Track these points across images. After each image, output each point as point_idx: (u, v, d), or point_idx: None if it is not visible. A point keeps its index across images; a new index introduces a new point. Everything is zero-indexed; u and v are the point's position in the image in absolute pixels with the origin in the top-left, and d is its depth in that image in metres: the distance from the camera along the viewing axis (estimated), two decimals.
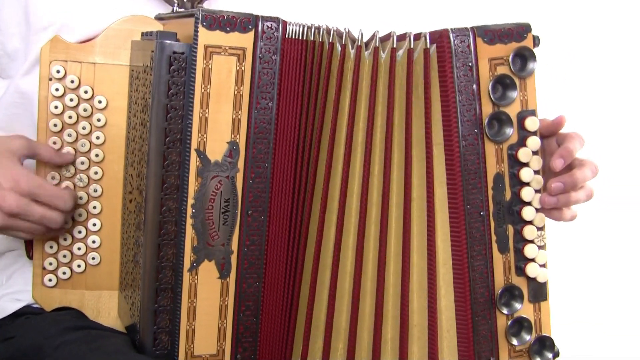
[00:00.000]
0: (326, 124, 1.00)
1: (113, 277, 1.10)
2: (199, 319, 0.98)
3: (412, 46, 0.98)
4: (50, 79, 1.06)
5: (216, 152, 0.95)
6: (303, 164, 1.00)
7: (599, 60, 2.48)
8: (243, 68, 0.95)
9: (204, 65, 0.93)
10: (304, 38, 0.98)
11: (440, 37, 0.98)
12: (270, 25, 0.96)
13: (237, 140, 0.96)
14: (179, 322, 0.97)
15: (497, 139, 1.00)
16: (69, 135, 1.06)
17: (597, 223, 2.44)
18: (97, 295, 1.10)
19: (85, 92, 1.06)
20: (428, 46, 0.98)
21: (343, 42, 0.98)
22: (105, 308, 1.10)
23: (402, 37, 0.99)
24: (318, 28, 0.99)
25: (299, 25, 0.98)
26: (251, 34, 0.95)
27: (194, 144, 0.94)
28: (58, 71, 1.06)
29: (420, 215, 1.00)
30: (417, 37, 0.99)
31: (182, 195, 0.95)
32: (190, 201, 0.95)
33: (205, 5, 1.13)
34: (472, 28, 0.99)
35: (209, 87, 0.94)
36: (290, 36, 0.97)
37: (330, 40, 0.98)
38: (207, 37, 0.93)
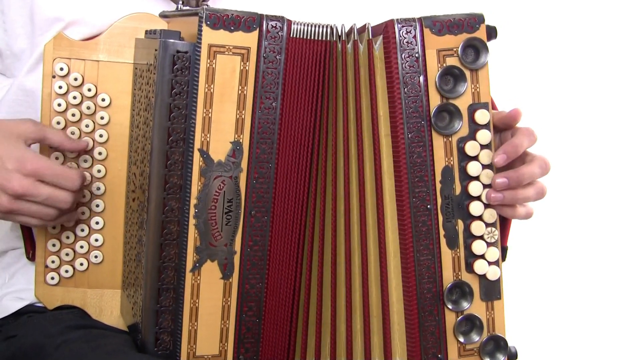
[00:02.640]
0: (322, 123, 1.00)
1: (115, 276, 1.10)
2: (201, 319, 0.97)
3: (356, 38, 0.98)
4: (54, 77, 1.05)
5: (219, 152, 0.95)
6: (307, 164, 0.99)
7: (566, 56, 2.48)
8: (247, 68, 0.94)
9: (208, 65, 0.93)
10: (309, 37, 0.97)
11: (385, 28, 0.96)
12: (274, 25, 0.95)
13: (241, 140, 0.95)
14: (181, 323, 0.97)
15: (445, 132, 0.97)
16: (72, 133, 1.05)
17: (575, 225, 2.46)
18: (100, 294, 1.10)
19: (89, 89, 1.06)
20: (371, 37, 0.97)
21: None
22: (108, 307, 1.10)
23: (350, 31, 0.99)
24: (323, 27, 0.98)
25: (304, 25, 0.97)
26: (255, 33, 0.94)
27: (197, 144, 0.94)
28: (61, 69, 1.05)
29: (373, 208, 1.00)
30: (362, 29, 0.98)
31: (184, 195, 0.95)
32: (193, 201, 0.95)
33: (210, 4, 1.12)
34: (419, 18, 0.97)
35: (212, 86, 0.93)
36: (295, 35, 0.96)
37: (342, 39, 0.98)
38: (211, 36, 0.92)
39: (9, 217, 0.99)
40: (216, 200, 0.95)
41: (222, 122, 0.94)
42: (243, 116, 0.95)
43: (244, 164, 0.96)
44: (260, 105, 0.95)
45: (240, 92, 0.95)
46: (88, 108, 1.06)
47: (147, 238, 0.96)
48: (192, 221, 0.95)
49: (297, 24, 0.96)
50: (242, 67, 0.94)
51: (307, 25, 0.97)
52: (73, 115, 1.06)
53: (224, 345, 0.99)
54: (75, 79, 1.05)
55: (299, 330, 1.03)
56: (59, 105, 1.05)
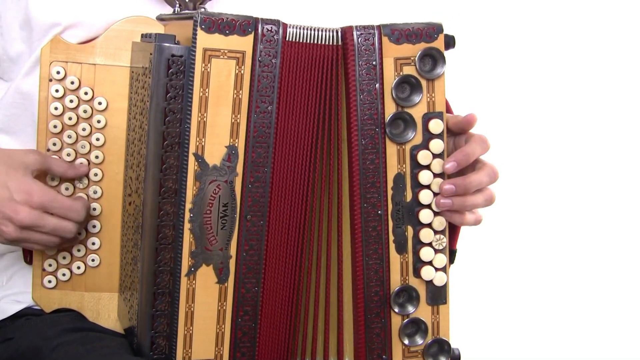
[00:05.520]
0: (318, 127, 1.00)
1: (113, 279, 1.10)
2: (196, 323, 0.97)
3: (331, 43, 0.98)
4: (51, 80, 1.05)
5: (215, 156, 0.95)
6: (303, 168, 0.99)
7: (525, 61, 2.55)
8: (242, 71, 0.94)
9: (203, 69, 0.93)
10: (305, 41, 0.97)
11: (344, 35, 0.97)
12: (270, 28, 0.95)
13: (236, 145, 0.95)
14: (176, 327, 0.97)
15: (399, 140, 0.99)
16: (69, 136, 1.06)
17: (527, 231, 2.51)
18: (97, 297, 1.10)
19: (86, 93, 1.06)
20: (339, 43, 0.97)
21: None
22: (105, 310, 1.10)
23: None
24: (319, 30, 0.97)
25: (300, 28, 0.96)
26: (250, 37, 0.94)
27: (192, 148, 0.94)
28: (58, 72, 1.05)
29: (335, 212, 1.01)
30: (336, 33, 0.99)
31: (180, 200, 0.94)
32: (188, 205, 0.94)
33: (208, 7, 1.12)
34: (377, 26, 0.97)
35: (207, 90, 0.93)
36: (290, 39, 0.96)
37: (335, 43, 0.97)
38: (205, 40, 0.92)
39: (14, 244, 1.01)
40: (211, 204, 0.95)
41: (218, 126, 0.94)
42: (238, 120, 0.95)
43: (240, 168, 0.95)
44: (256, 109, 0.95)
45: (235, 96, 0.94)
46: (85, 111, 1.06)
47: (142, 242, 0.95)
48: (187, 225, 0.95)
49: (293, 27, 0.96)
50: (237, 71, 0.94)
51: (303, 28, 0.96)
52: (70, 118, 1.06)
53: (219, 349, 0.98)
54: (72, 82, 1.05)
55: (298, 333, 1.03)
56: (56, 108, 1.05)
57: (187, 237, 0.95)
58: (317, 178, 0.99)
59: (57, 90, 1.05)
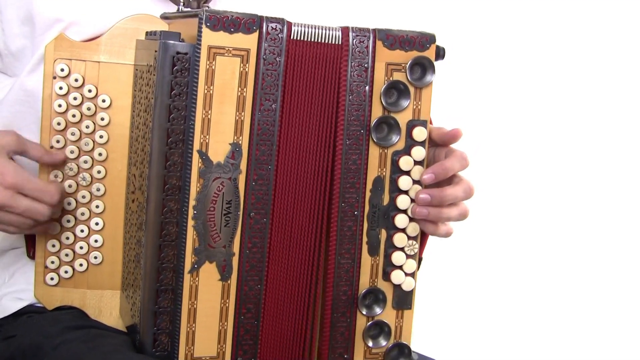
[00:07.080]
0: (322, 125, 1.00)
1: (115, 277, 1.10)
2: (199, 320, 0.97)
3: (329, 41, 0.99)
4: (55, 77, 1.05)
5: (218, 153, 0.95)
6: (307, 166, 0.99)
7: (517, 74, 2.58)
8: (247, 69, 0.94)
9: (207, 66, 0.93)
10: (309, 39, 0.97)
11: (341, 35, 0.98)
12: (274, 27, 0.95)
13: (240, 142, 0.95)
14: (179, 324, 0.97)
15: (382, 143, 1.00)
16: (73, 133, 1.06)
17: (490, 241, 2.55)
18: (99, 295, 1.10)
19: (89, 90, 1.06)
20: (341, 42, 0.98)
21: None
22: (107, 307, 1.10)
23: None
24: (323, 29, 0.98)
25: (304, 26, 0.97)
26: (255, 35, 0.94)
27: (196, 145, 0.94)
28: (62, 69, 1.05)
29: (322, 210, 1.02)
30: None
31: (183, 196, 0.95)
32: (192, 202, 0.95)
33: (211, 5, 1.12)
34: (373, 30, 0.99)
35: (212, 88, 0.93)
36: (295, 37, 0.96)
37: (338, 42, 0.98)
38: (210, 37, 0.92)
39: None
40: (215, 201, 0.95)
41: (222, 123, 0.94)
42: (242, 118, 0.95)
43: (243, 166, 0.96)
44: (260, 107, 0.95)
45: (239, 93, 0.95)
46: (88, 109, 1.06)
47: (145, 239, 0.95)
48: (190, 222, 0.95)
49: (297, 25, 0.96)
50: (241, 69, 0.94)
51: (307, 27, 0.97)
52: (73, 116, 1.06)
53: (222, 346, 0.99)
54: (76, 80, 1.06)
55: (300, 331, 1.03)
56: (60, 106, 1.05)
57: (190, 234, 0.95)
58: (320, 176, 0.99)
59: (61, 88, 1.05)
